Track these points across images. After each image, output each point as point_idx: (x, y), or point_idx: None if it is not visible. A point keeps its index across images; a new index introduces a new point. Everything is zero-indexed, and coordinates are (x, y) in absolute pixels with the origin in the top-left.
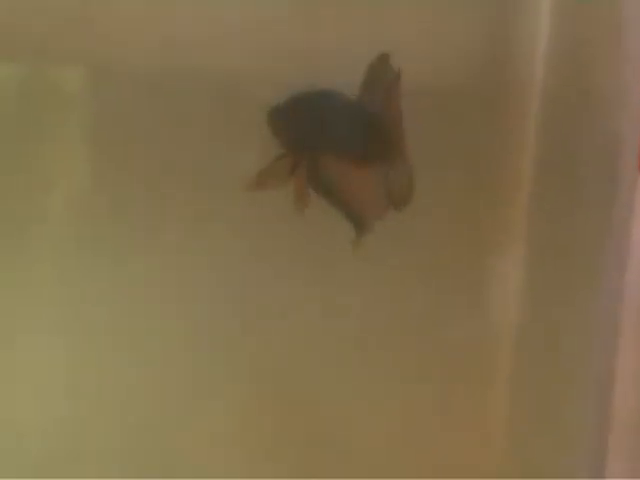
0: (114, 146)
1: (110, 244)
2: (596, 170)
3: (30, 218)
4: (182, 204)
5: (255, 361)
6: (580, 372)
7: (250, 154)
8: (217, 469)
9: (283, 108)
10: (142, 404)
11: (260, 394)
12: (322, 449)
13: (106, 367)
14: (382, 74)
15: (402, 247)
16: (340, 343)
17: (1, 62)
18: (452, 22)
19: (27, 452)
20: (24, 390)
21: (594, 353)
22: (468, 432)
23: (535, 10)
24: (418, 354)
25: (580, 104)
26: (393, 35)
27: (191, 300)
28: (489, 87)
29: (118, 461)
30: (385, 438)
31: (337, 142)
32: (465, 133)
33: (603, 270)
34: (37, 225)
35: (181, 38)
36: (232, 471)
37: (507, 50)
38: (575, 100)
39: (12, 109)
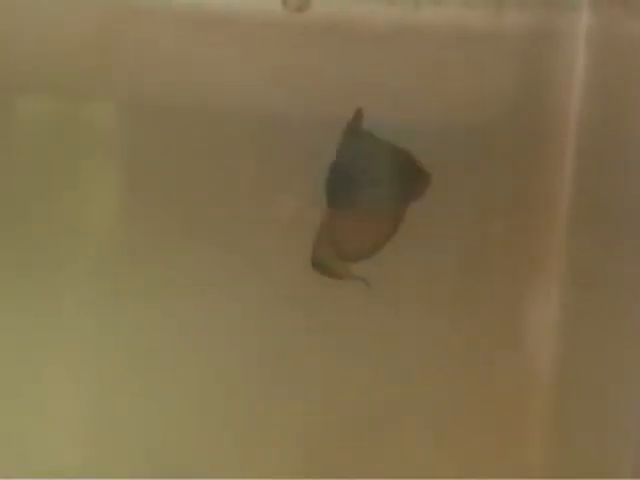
0: (146, 184)
1: (137, 283)
2: (634, 204)
3: (59, 257)
4: (216, 245)
5: (282, 419)
6: (619, 408)
7: (287, 194)
8: None
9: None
10: (164, 447)
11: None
12: None
13: (129, 410)
14: None
15: (440, 288)
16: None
17: (35, 97)
18: (491, 62)
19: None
20: (48, 419)
21: (633, 387)
22: (504, 465)
23: (571, 48)
24: (456, 392)
25: (617, 138)
26: (433, 74)
27: (220, 347)
28: (525, 126)
29: None
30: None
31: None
32: (500, 172)
33: None
34: (67, 263)
35: (217, 78)
36: None
37: (544, 89)
38: (612, 135)
39: (45, 143)
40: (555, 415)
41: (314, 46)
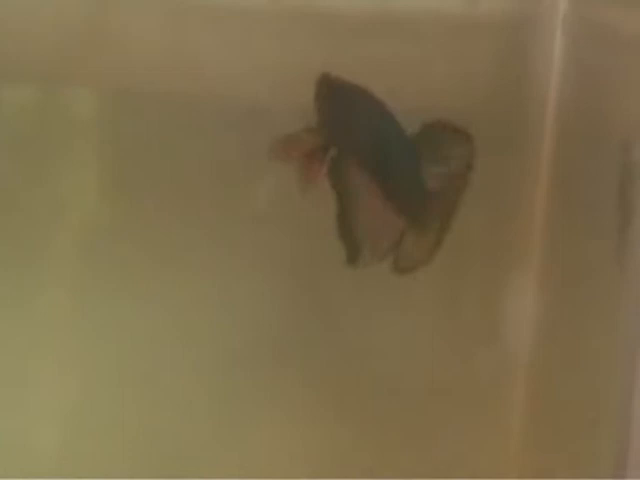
0: (129, 171)
1: (123, 272)
2: (610, 197)
3: (43, 245)
4: (201, 232)
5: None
6: (598, 401)
7: (267, 181)
8: None
9: (344, 91)
10: (153, 443)
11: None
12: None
13: (118, 404)
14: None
15: (420, 280)
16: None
17: (17, 85)
18: (469, 50)
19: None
20: (35, 421)
21: (612, 380)
22: (484, 459)
23: (549, 35)
24: (435, 385)
25: (595, 125)
26: (412, 63)
27: (211, 333)
28: (504, 113)
29: None
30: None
31: (371, 158)
32: (478, 159)
33: (618, 297)
34: (50, 252)
35: (199, 66)
36: None
37: (522, 76)
38: (590, 122)
39: (28, 132)
40: (534, 407)
41: (294, 35)
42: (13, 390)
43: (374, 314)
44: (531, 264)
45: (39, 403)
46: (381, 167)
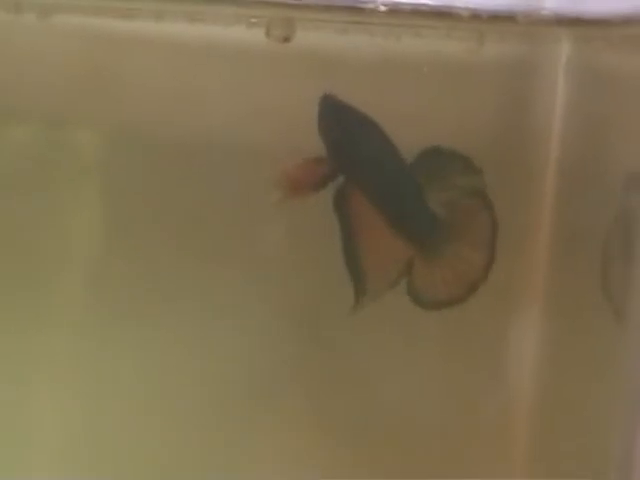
0: (131, 214)
1: (123, 314)
2: (613, 242)
3: (45, 285)
4: (200, 276)
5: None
6: (602, 447)
7: (270, 227)
8: None
9: (345, 111)
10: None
11: None
12: None
13: (123, 432)
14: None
15: (418, 320)
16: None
17: (22, 125)
18: (470, 94)
19: None
20: (38, 453)
21: (616, 424)
22: None
23: (552, 80)
24: (434, 429)
25: (598, 170)
26: (414, 105)
27: (211, 364)
28: (506, 158)
29: None
30: None
31: (373, 183)
32: None
33: (623, 342)
34: (55, 292)
35: (202, 109)
36: None
37: (524, 121)
38: (593, 166)
39: (32, 172)
40: (538, 446)
41: (295, 76)
42: (16, 426)
43: (377, 353)
44: (535, 302)
45: (41, 439)
46: (382, 193)
